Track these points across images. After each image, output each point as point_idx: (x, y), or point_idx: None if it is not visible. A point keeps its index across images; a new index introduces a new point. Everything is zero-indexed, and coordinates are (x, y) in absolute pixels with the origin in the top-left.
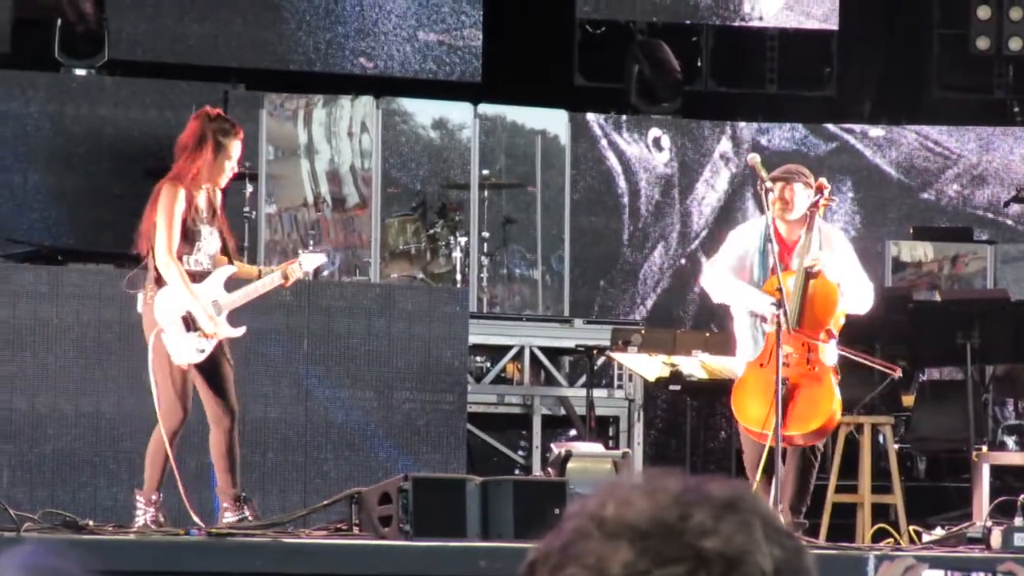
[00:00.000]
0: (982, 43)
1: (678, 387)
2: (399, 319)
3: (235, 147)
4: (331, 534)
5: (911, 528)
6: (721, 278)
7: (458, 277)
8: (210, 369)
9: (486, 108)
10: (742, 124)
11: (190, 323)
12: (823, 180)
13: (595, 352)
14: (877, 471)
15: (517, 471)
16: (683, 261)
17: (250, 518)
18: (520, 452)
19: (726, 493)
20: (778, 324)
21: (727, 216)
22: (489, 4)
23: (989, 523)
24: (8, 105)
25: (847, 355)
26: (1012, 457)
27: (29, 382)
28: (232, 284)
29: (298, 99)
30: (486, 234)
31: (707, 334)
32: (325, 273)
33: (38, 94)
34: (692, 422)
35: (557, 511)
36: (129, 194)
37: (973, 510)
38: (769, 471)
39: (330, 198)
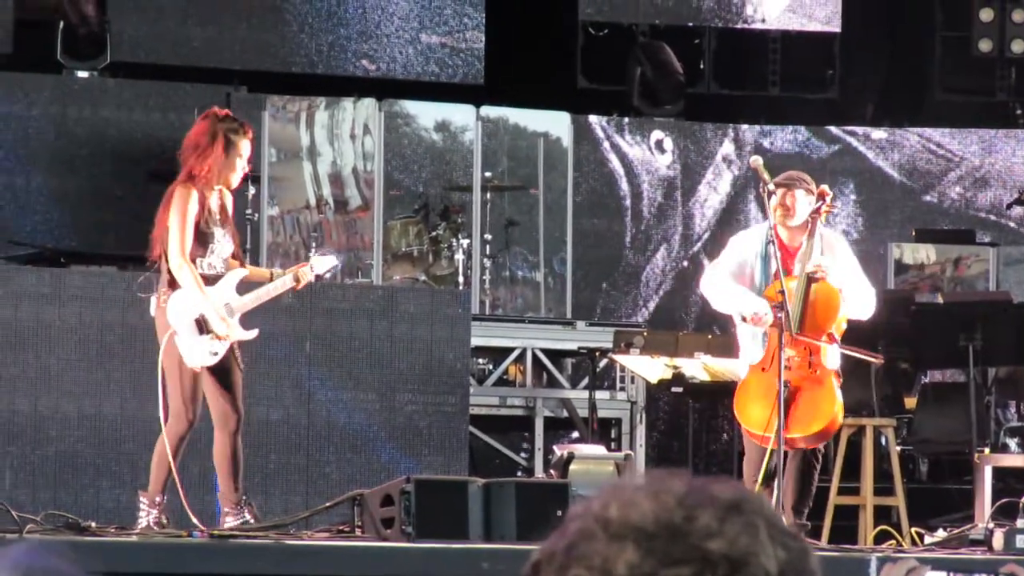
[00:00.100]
0: (984, 45)
1: (680, 389)
2: (401, 321)
3: (245, 146)
4: (333, 536)
5: (913, 530)
6: (718, 282)
7: (460, 279)
8: (220, 371)
9: (488, 110)
10: (744, 126)
11: (203, 326)
12: (825, 187)
13: (597, 354)
14: (879, 473)
15: (519, 473)
16: (685, 263)
17: (251, 521)
18: (522, 454)
19: (730, 495)
20: (780, 326)
21: (729, 218)
22: (491, 6)
23: (991, 525)
24: (10, 107)
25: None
26: (1014, 459)
27: (31, 384)
28: (244, 287)
29: (300, 101)
30: (488, 236)
31: (709, 336)
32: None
33: (40, 96)
34: (694, 424)
35: (559, 513)
36: (131, 196)
37: (975, 512)
38: (771, 473)
39: (332, 200)
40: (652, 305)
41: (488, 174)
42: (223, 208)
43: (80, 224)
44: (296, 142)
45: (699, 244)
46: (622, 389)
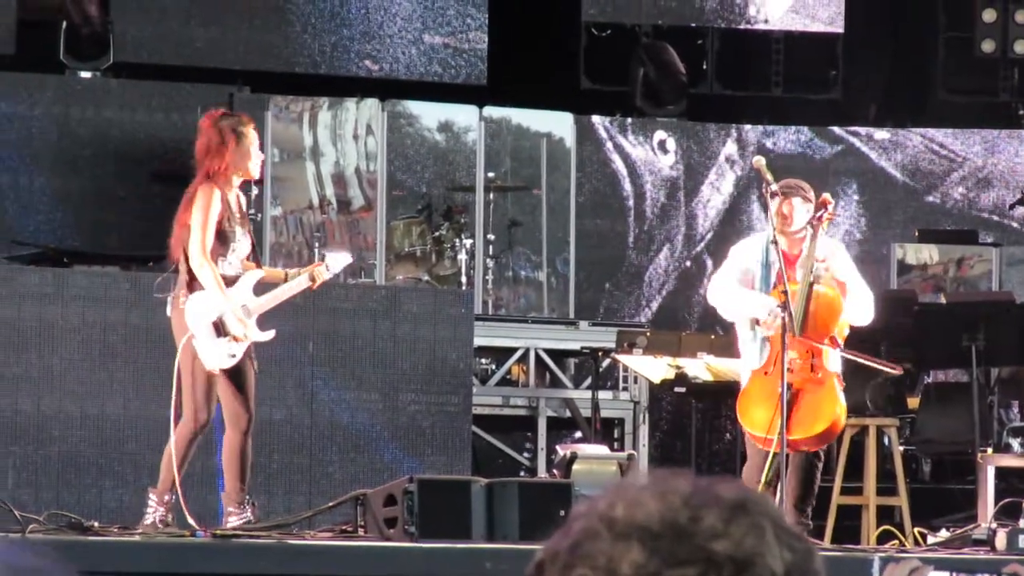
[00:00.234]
0: (987, 46)
1: (683, 389)
2: (404, 321)
3: (253, 135)
4: (336, 536)
5: (916, 530)
6: (726, 290)
7: (463, 279)
8: (235, 372)
9: (491, 111)
10: (747, 127)
11: (221, 328)
12: (827, 195)
13: (600, 354)
14: (882, 473)
15: (522, 473)
16: (688, 263)
17: (253, 520)
18: (525, 454)
19: (736, 495)
20: (783, 326)
21: (732, 219)
22: (494, 7)
23: (994, 525)
24: (14, 107)
25: (850, 357)
26: (1017, 459)
27: (34, 384)
28: (259, 288)
29: (303, 102)
30: (491, 236)
31: (712, 336)
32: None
33: (43, 96)
34: (697, 424)
35: (562, 513)
36: (134, 196)
37: (978, 512)
38: (774, 474)
39: (335, 200)
40: (655, 305)
41: (491, 174)
42: (240, 207)
43: (83, 224)
44: (299, 142)
45: (702, 244)
46: (625, 389)
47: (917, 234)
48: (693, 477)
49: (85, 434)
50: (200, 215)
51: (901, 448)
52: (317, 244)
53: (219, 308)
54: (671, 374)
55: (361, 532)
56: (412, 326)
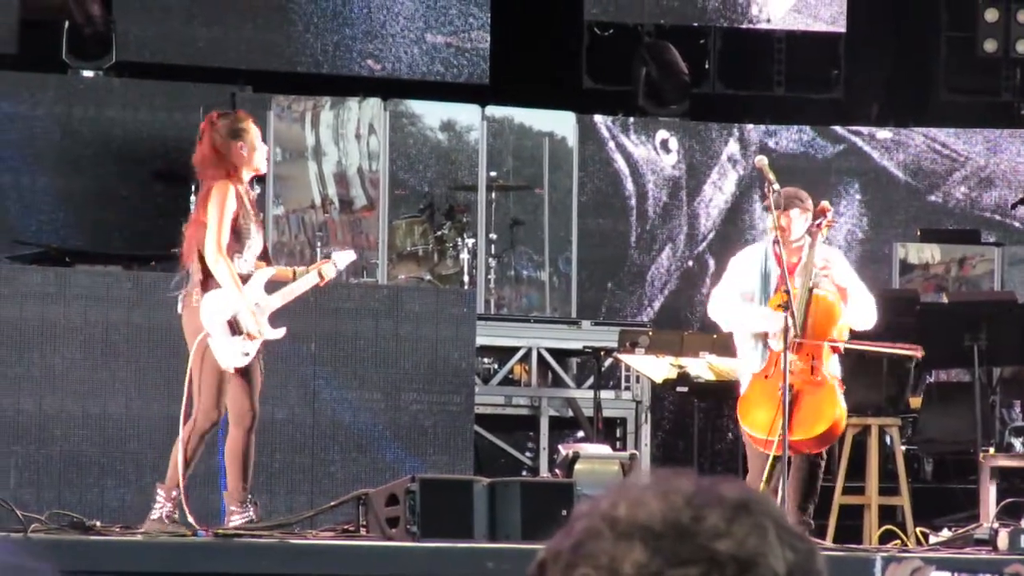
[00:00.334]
0: (989, 46)
1: (685, 389)
2: (406, 321)
3: (253, 129)
4: (338, 535)
5: (918, 530)
6: (728, 305)
7: (465, 279)
8: (244, 370)
9: (494, 110)
10: (750, 126)
11: (235, 327)
12: (826, 203)
13: (602, 354)
14: (884, 473)
15: (524, 472)
16: (690, 263)
17: (255, 519)
18: (527, 453)
19: (738, 495)
20: (785, 327)
21: (734, 218)
22: (497, 6)
23: (996, 525)
24: (16, 107)
25: (864, 349)
26: (1019, 459)
27: (36, 383)
28: (270, 286)
29: (306, 101)
30: (493, 236)
31: (714, 336)
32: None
33: (46, 96)
34: (699, 423)
35: (564, 512)
36: (136, 196)
37: (980, 512)
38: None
39: (337, 200)
40: (657, 305)
41: (493, 174)
42: (252, 204)
43: (85, 224)
44: (301, 142)
45: (704, 244)
46: (627, 388)
47: (919, 234)
48: (695, 477)
49: (87, 433)
50: (216, 211)
51: (903, 448)
52: (319, 243)
53: (235, 306)
54: (673, 374)
55: (363, 532)
56: (414, 325)
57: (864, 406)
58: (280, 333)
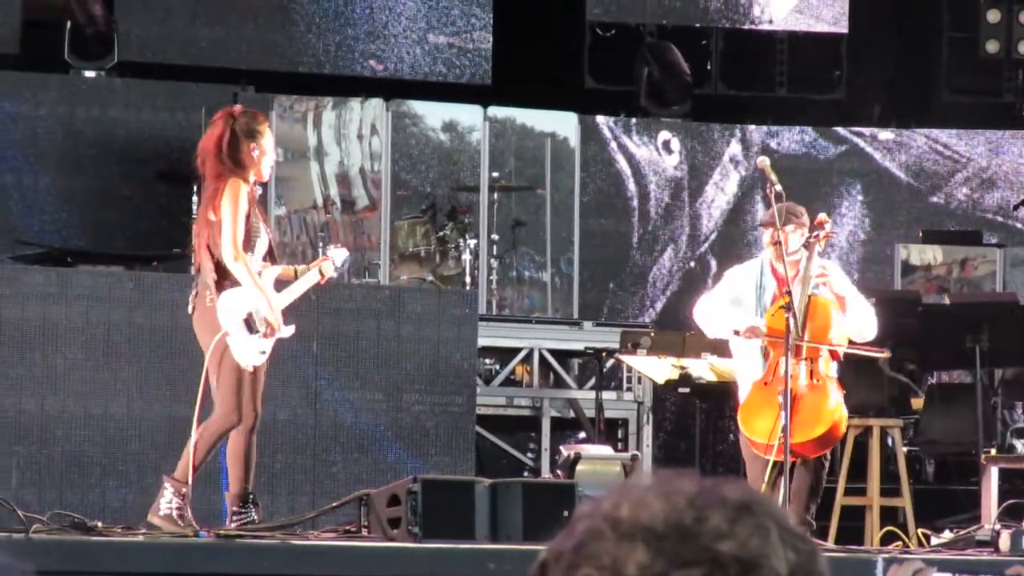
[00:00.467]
0: (991, 46)
1: (687, 389)
2: (408, 321)
3: (269, 136)
4: (340, 536)
5: (920, 531)
6: (711, 309)
7: (467, 279)
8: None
9: (496, 111)
10: (752, 127)
11: (251, 325)
12: (823, 215)
13: (604, 354)
14: (886, 474)
15: (526, 473)
16: (692, 264)
17: (256, 520)
18: (529, 454)
19: (741, 496)
20: (787, 327)
21: (736, 219)
22: (499, 7)
23: (998, 526)
24: (18, 107)
25: (835, 349)
26: (1021, 461)
27: (38, 384)
28: (277, 285)
29: (308, 101)
30: (495, 236)
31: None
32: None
33: (48, 96)
34: (701, 424)
35: (566, 513)
36: (139, 196)
37: (982, 513)
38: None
39: (339, 200)
40: (659, 305)
41: (495, 174)
42: (259, 203)
43: (87, 224)
44: (303, 142)
45: (706, 245)
46: (629, 389)
47: (921, 235)
48: (698, 478)
49: (89, 434)
50: (230, 207)
51: (905, 449)
52: (321, 244)
53: (252, 304)
54: (675, 374)
55: (365, 532)
56: (416, 326)
57: (866, 407)
58: (291, 331)
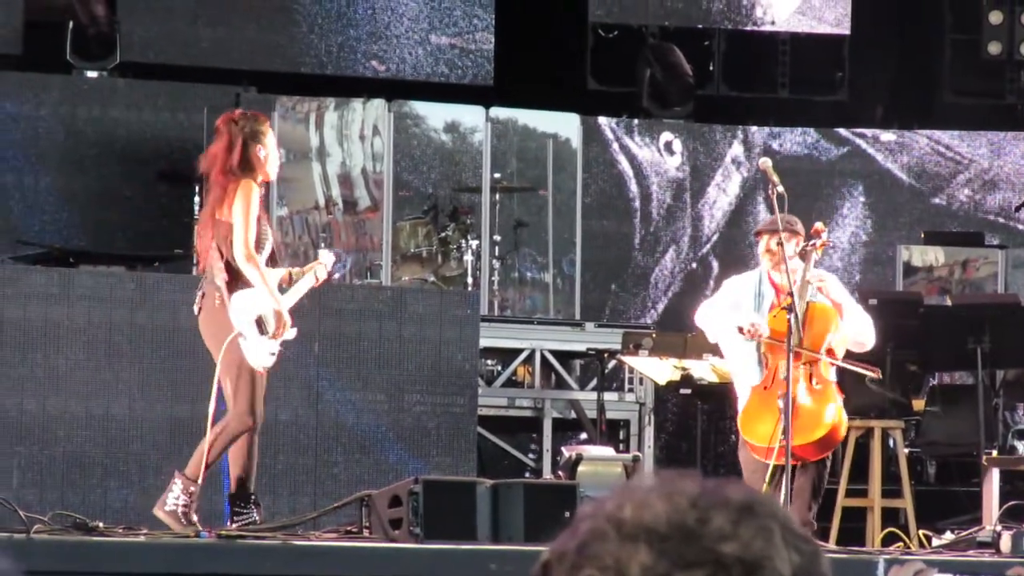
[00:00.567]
0: (994, 48)
1: (689, 391)
2: (410, 322)
3: (272, 136)
4: (341, 537)
5: (921, 532)
6: (713, 313)
7: (469, 280)
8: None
9: (498, 111)
10: (754, 128)
11: (262, 327)
12: (819, 224)
13: (606, 355)
14: (887, 475)
15: (527, 474)
16: (694, 265)
17: (258, 521)
18: (530, 455)
19: (743, 497)
20: (789, 328)
21: (738, 220)
22: (501, 7)
23: (999, 527)
24: (20, 107)
25: (828, 360)
26: (1022, 462)
27: (40, 384)
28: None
29: (310, 102)
30: (497, 237)
31: None
32: (336, 276)
33: (50, 96)
34: (703, 425)
35: (567, 514)
36: (140, 196)
37: (983, 514)
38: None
39: (341, 201)
40: (661, 307)
41: (497, 175)
42: (264, 205)
43: (89, 224)
44: (305, 143)
45: (708, 246)
46: (630, 390)
47: (923, 236)
48: (700, 478)
49: (90, 434)
50: (242, 210)
51: (906, 450)
52: (323, 245)
53: (264, 305)
54: (677, 376)
55: (366, 533)
56: (418, 327)
57: (867, 408)
58: (294, 332)
